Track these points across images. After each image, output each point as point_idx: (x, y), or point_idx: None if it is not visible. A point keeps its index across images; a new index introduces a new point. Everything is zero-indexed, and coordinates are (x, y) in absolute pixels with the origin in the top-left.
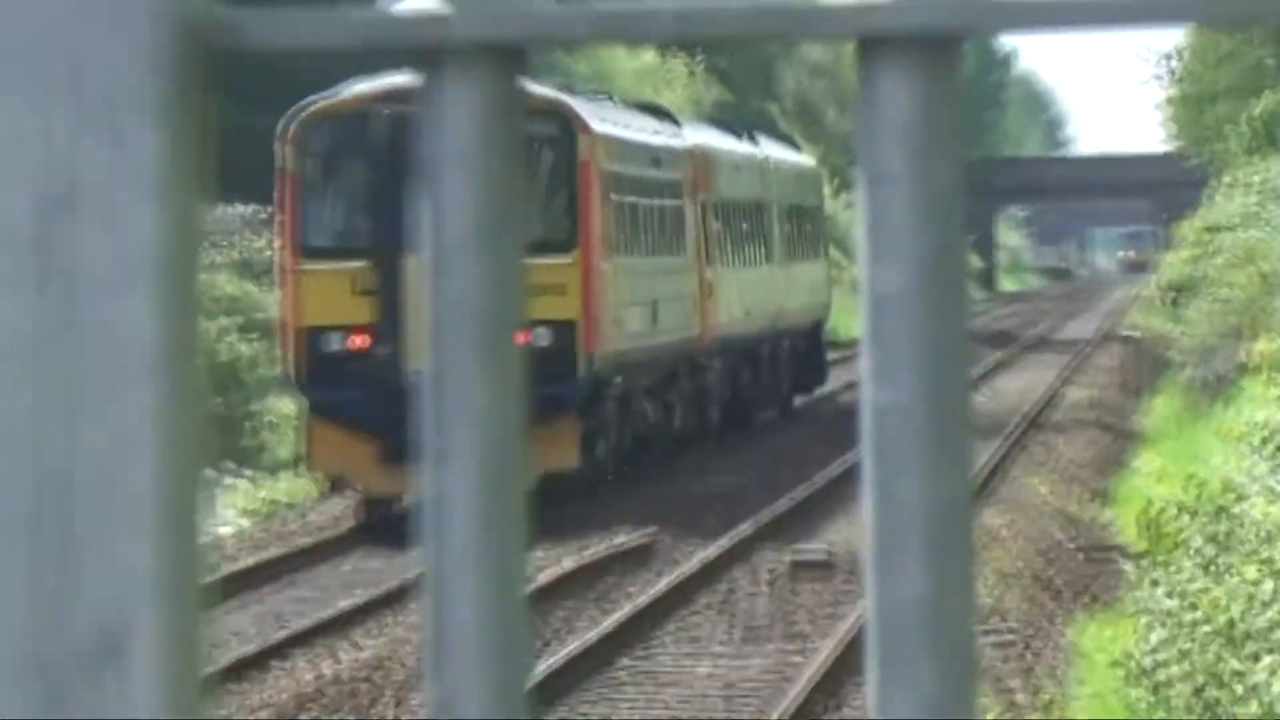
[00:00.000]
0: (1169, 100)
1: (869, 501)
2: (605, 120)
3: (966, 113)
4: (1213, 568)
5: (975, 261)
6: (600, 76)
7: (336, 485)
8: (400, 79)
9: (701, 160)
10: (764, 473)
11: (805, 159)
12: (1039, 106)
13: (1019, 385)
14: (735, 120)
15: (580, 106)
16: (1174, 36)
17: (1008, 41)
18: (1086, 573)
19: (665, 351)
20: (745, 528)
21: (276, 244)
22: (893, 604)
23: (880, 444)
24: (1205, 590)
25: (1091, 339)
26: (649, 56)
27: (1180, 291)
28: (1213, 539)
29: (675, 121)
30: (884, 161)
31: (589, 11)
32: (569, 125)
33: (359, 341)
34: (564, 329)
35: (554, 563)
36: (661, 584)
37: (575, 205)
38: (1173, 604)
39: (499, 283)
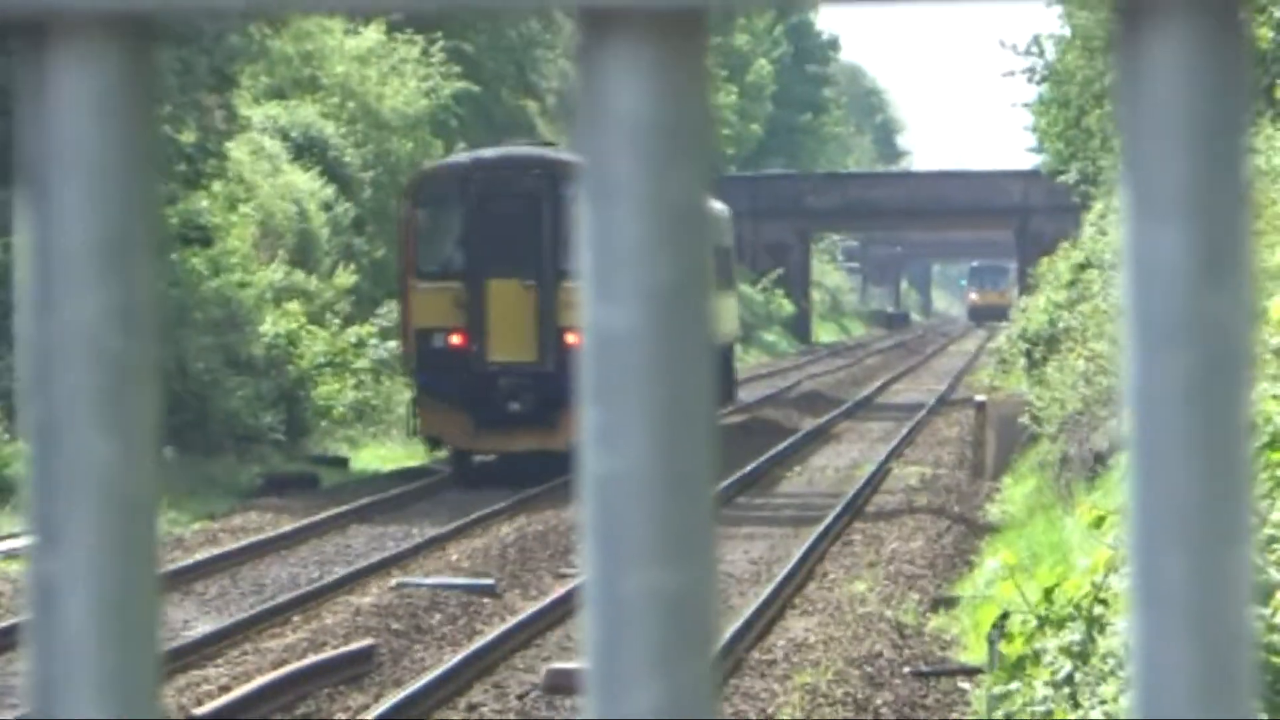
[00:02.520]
0: (1034, 103)
1: (588, 594)
2: None
3: (713, 109)
4: (1069, 687)
5: (784, 305)
6: (311, 59)
7: (436, 444)
8: (489, 152)
9: None
10: None
11: (718, 203)
12: (868, 111)
13: (839, 462)
14: None
15: None
16: (1042, 20)
17: (827, 27)
18: (919, 697)
19: None
20: None
21: (400, 267)
22: None
23: (602, 523)
24: (1050, 715)
25: (930, 404)
26: (373, 34)
27: (1041, 345)
28: (1069, 652)
29: None
30: (609, 170)
31: None
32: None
33: (457, 340)
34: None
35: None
36: None
37: None
38: None
39: (124, 314)
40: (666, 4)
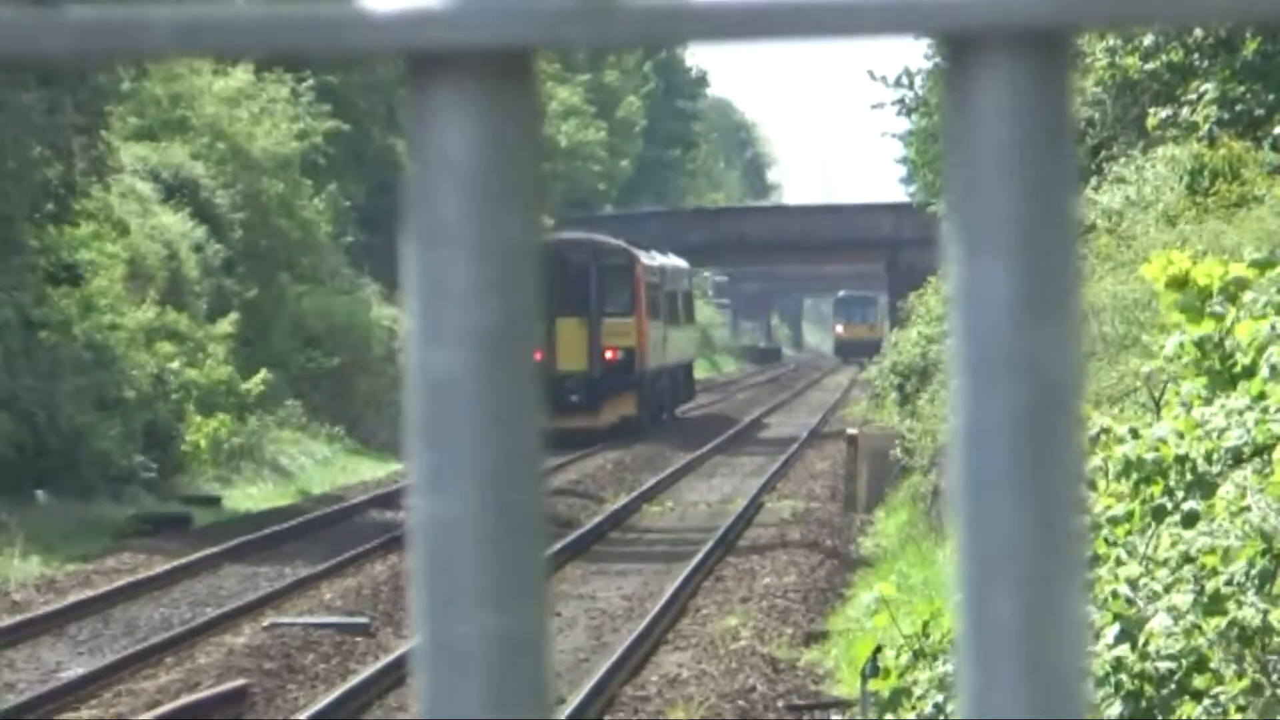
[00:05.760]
0: (904, 134)
1: (419, 639)
2: (647, 256)
3: (543, 151)
4: (941, 718)
5: None
6: (180, 100)
7: None
8: (561, 236)
9: (661, 270)
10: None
11: (680, 260)
12: (737, 145)
13: (711, 497)
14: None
15: (637, 251)
16: (912, 53)
17: (696, 62)
18: None
19: (661, 368)
20: None
21: None
22: None
23: (432, 568)
24: None
25: (803, 438)
26: (242, 74)
27: (913, 378)
28: (941, 685)
29: (648, 250)
30: (439, 213)
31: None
32: (631, 258)
33: (538, 356)
34: (629, 351)
35: None
36: None
37: (634, 295)
38: None
39: None
40: (493, 46)
